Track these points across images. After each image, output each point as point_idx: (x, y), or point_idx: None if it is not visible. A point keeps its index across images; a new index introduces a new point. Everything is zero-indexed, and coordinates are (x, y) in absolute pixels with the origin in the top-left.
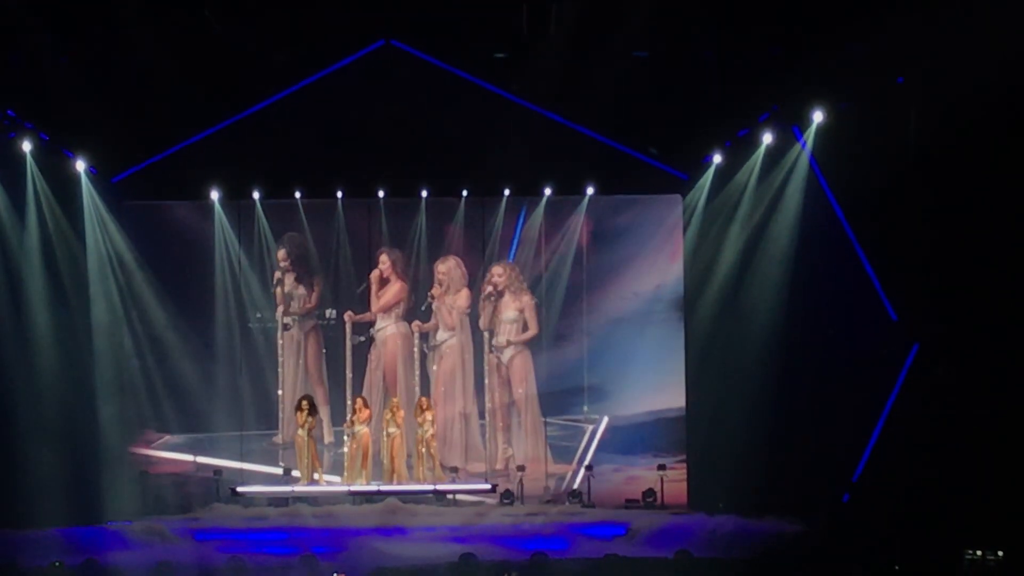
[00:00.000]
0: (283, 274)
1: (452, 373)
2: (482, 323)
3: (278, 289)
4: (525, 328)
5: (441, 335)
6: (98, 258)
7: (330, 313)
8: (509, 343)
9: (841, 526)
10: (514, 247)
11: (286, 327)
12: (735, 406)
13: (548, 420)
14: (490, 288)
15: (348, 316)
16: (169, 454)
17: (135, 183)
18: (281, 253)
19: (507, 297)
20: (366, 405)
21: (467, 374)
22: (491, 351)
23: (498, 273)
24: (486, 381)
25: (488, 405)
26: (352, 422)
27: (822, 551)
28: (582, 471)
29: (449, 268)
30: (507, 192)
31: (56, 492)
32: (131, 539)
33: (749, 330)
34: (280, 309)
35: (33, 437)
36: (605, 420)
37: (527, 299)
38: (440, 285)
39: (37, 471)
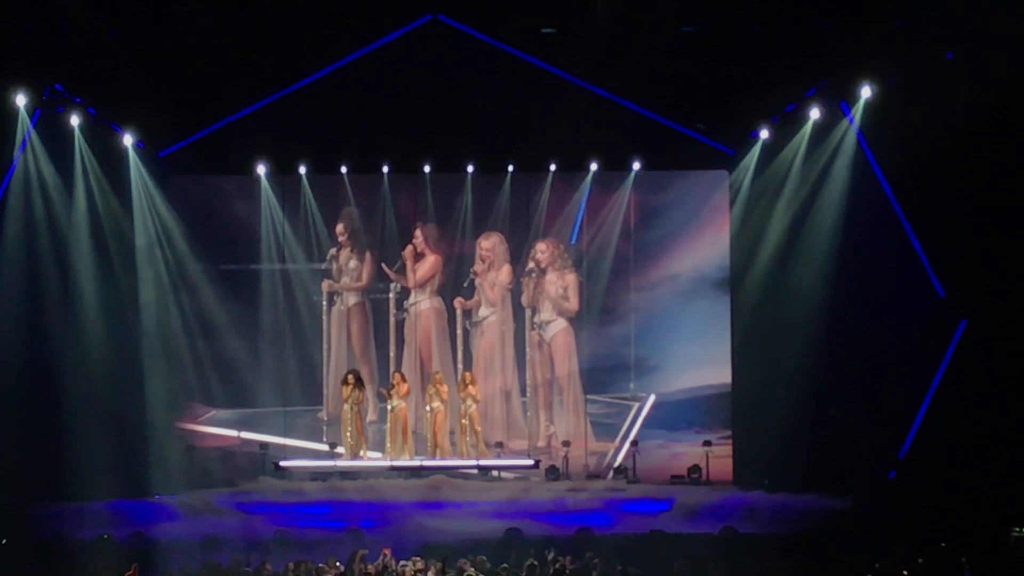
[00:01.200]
0: (338, 249)
1: (492, 349)
2: (524, 299)
3: (334, 263)
4: (564, 305)
5: (482, 311)
6: (145, 232)
7: (385, 286)
8: (550, 320)
9: (887, 503)
10: (578, 223)
11: (331, 302)
12: (781, 382)
13: (592, 397)
14: (532, 264)
15: (391, 292)
16: (215, 429)
17: (182, 157)
18: (339, 227)
19: (550, 274)
20: (404, 380)
21: (507, 350)
22: (533, 328)
23: (541, 250)
24: (528, 357)
25: (529, 382)
26: (391, 396)
27: (868, 528)
28: (626, 447)
29: (492, 244)
30: (553, 167)
31: (104, 466)
32: (178, 512)
33: (795, 306)
34: (325, 284)
35: (81, 412)
36: (652, 398)
37: (570, 276)
38: (483, 261)
39: (85, 445)
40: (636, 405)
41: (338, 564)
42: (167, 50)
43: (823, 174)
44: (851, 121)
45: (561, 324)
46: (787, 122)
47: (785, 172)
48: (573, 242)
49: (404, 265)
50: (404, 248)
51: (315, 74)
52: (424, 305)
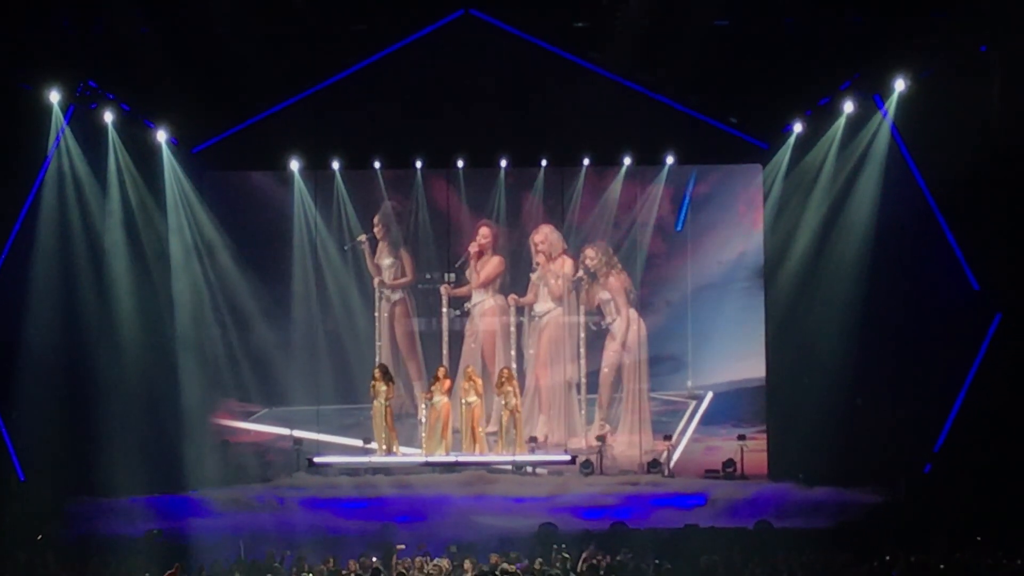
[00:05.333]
0: (372, 243)
1: (554, 345)
2: (587, 302)
3: (369, 259)
4: (617, 309)
5: (545, 305)
6: (179, 228)
7: (434, 282)
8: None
9: (923, 497)
10: (682, 216)
11: (380, 298)
12: (815, 376)
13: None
14: (581, 271)
15: (445, 289)
16: (250, 425)
17: (215, 153)
18: (376, 220)
19: (599, 279)
20: (446, 375)
21: (570, 346)
22: (593, 326)
23: (590, 256)
24: (582, 351)
25: (584, 380)
26: (432, 392)
27: (903, 522)
28: (684, 443)
29: (546, 236)
30: (586, 162)
31: (139, 462)
32: (213, 507)
33: (829, 300)
34: (376, 280)
35: (116, 408)
36: (709, 395)
37: (612, 280)
38: (540, 254)
39: (121, 441)
40: (692, 403)
41: (374, 560)
42: (200, 46)
43: (857, 167)
44: (885, 114)
45: (624, 320)
46: (821, 115)
47: (819, 166)
48: (679, 229)
49: (467, 263)
50: (468, 246)
51: (348, 69)
52: (488, 304)
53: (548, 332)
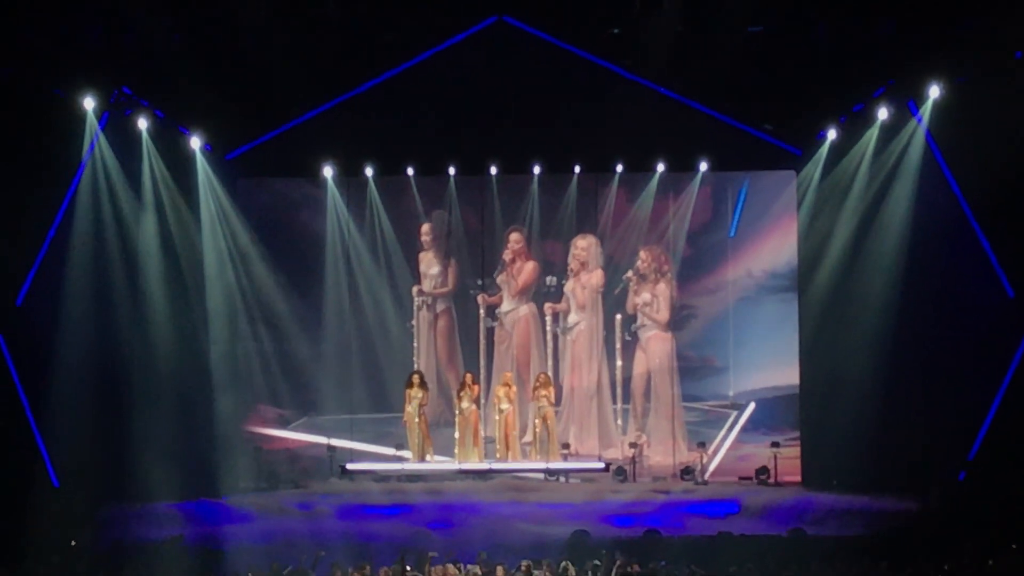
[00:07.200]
0: (422, 252)
1: (584, 355)
2: (628, 305)
3: (421, 267)
4: (657, 313)
5: (573, 317)
6: (212, 235)
7: (475, 291)
8: (644, 326)
9: (957, 504)
10: (735, 222)
11: (419, 307)
12: (849, 383)
13: (689, 405)
14: (630, 272)
15: (482, 299)
16: (285, 433)
17: (249, 160)
18: (425, 227)
19: (647, 281)
20: (475, 382)
21: (599, 356)
22: (628, 336)
23: (642, 258)
24: (619, 363)
25: (619, 389)
26: (460, 398)
27: (937, 530)
28: (723, 452)
29: (589, 244)
30: (620, 168)
31: (172, 467)
32: (246, 513)
33: (863, 307)
34: (415, 289)
35: (149, 413)
36: (752, 406)
37: (662, 286)
38: (577, 260)
39: (154, 447)
40: (734, 412)
41: (408, 568)
42: (234, 53)
43: (891, 174)
44: (919, 121)
45: (655, 330)
46: (855, 122)
47: (853, 172)
48: (732, 235)
49: (506, 269)
50: (503, 253)
51: (381, 76)
52: (523, 311)
53: (579, 342)
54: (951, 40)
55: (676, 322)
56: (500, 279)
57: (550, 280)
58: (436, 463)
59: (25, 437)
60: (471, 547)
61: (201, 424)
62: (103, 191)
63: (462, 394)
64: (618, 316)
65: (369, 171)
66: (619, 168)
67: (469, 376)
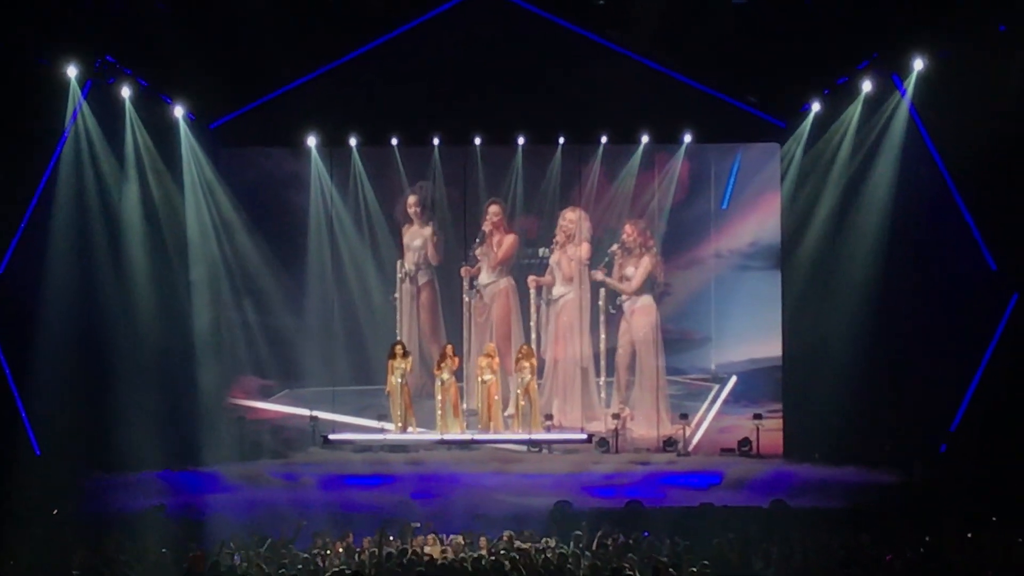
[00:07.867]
0: (403, 221)
1: (570, 328)
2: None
3: (404, 239)
4: (639, 288)
5: (559, 289)
6: (196, 204)
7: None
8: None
9: (938, 476)
10: (728, 194)
11: (402, 279)
12: (831, 356)
13: (671, 379)
14: (615, 245)
15: (465, 271)
16: (267, 404)
17: (232, 129)
18: (411, 199)
19: (632, 255)
20: (454, 353)
21: (584, 329)
22: (612, 309)
23: (627, 232)
24: (602, 336)
25: (603, 361)
26: (440, 369)
27: (919, 502)
28: (705, 426)
29: (577, 217)
30: (604, 140)
31: (155, 437)
32: (228, 483)
33: (846, 279)
34: (400, 261)
35: (132, 383)
36: (733, 379)
37: (646, 260)
38: (564, 233)
39: (137, 417)
40: (716, 385)
41: (391, 538)
42: (218, 21)
43: (875, 147)
44: (903, 94)
45: (640, 301)
46: (839, 95)
47: (836, 145)
48: (724, 207)
49: (485, 242)
50: (483, 225)
51: (366, 45)
52: (503, 284)
53: (564, 315)
54: (935, 13)
55: (658, 296)
56: (479, 251)
57: (543, 252)
58: (418, 434)
59: (7, 406)
60: (453, 518)
61: (184, 394)
62: (86, 160)
63: (442, 365)
64: (603, 288)
65: (353, 141)
66: (603, 140)
67: (450, 348)
